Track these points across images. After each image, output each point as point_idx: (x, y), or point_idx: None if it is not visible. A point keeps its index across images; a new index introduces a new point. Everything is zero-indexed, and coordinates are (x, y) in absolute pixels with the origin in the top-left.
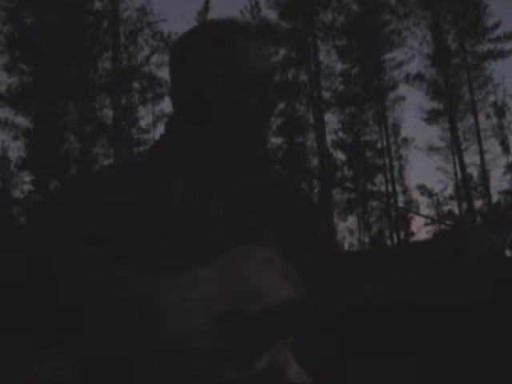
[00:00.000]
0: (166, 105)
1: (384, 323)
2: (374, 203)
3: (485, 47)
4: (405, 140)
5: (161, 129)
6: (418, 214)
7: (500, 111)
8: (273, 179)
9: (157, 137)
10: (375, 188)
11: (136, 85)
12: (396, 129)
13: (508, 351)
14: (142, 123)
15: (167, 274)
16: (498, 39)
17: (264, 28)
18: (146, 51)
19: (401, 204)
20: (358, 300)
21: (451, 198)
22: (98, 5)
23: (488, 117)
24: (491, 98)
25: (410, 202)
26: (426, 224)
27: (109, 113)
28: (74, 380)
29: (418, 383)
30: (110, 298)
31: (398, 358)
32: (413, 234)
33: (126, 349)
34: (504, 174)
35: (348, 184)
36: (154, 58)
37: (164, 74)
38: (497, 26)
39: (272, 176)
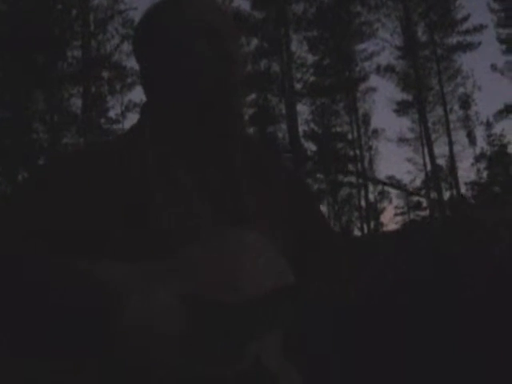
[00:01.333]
0: (136, 95)
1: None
2: (344, 193)
3: (454, 40)
4: (375, 131)
5: (130, 119)
6: (391, 185)
7: (466, 103)
8: (255, 155)
9: (126, 127)
10: (346, 178)
11: (106, 74)
12: (366, 120)
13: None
14: (112, 113)
15: (131, 258)
16: (467, 32)
17: None
18: (116, 40)
19: (371, 195)
20: (353, 292)
21: (420, 188)
22: None
23: (451, 110)
24: (460, 90)
25: (380, 192)
26: (396, 214)
27: (77, 102)
28: None
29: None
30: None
31: (393, 352)
32: (382, 224)
33: (86, 330)
34: (472, 165)
35: (320, 175)
36: (124, 47)
37: (133, 63)
38: (465, 19)
39: (253, 151)
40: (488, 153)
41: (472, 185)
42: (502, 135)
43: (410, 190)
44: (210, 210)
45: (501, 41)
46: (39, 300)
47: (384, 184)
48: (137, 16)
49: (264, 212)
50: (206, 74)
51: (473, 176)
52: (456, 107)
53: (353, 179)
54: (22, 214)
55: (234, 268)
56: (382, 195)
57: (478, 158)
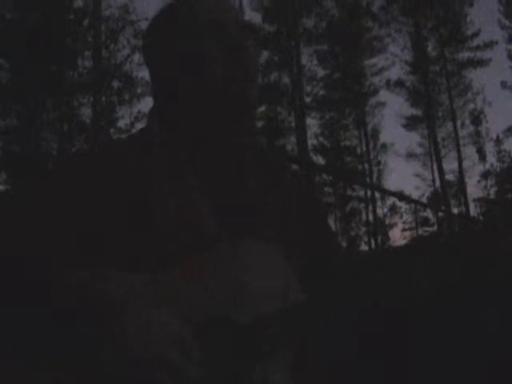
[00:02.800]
0: (145, 105)
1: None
2: (353, 207)
3: (464, 55)
4: (384, 145)
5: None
6: (401, 197)
7: (477, 119)
8: (267, 166)
9: None
10: (354, 193)
11: (116, 84)
12: (375, 134)
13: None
14: (121, 123)
15: (139, 273)
16: (478, 48)
17: None
18: (127, 50)
19: (379, 210)
20: (366, 308)
21: (429, 204)
22: (79, 2)
23: (463, 125)
24: (470, 106)
25: (390, 208)
26: (404, 230)
27: (87, 112)
28: None
29: None
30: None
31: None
32: (389, 239)
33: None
34: (478, 182)
35: (328, 188)
36: (135, 58)
37: (144, 73)
38: (476, 34)
39: (266, 163)
40: (498, 169)
41: (480, 201)
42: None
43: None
44: (218, 218)
45: (511, 57)
46: (36, 303)
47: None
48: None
49: (273, 224)
50: (216, 77)
51: (479, 192)
52: (466, 123)
53: (361, 193)
54: (28, 213)
55: (243, 283)
56: (394, 210)
57: (484, 175)
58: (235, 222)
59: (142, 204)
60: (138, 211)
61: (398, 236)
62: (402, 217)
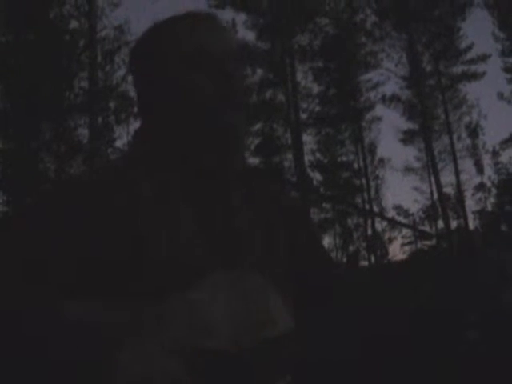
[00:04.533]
0: None
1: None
2: (351, 222)
3: (459, 69)
4: (381, 160)
5: None
6: (397, 223)
7: (473, 132)
8: (256, 189)
9: None
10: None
11: (112, 104)
12: (372, 149)
13: None
14: (119, 143)
15: (128, 304)
16: (472, 61)
17: (212, 16)
18: (123, 70)
19: (378, 224)
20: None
21: (427, 217)
22: (74, 24)
23: (459, 138)
24: (466, 119)
25: (387, 222)
26: (403, 244)
27: (84, 132)
28: None
29: None
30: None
31: None
32: (388, 254)
33: None
34: (473, 194)
35: (324, 204)
36: (131, 78)
37: None
38: (469, 48)
39: (255, 186)
40: (495, 181)
41: (479, 213)
42: (509, 163)
43: (416, 222)
44: (210, 247)
45: (506, 70)
46: (33, 351)
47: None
48: None
49: (264, 251)
50: (211, 114)
51: (474, 205)
52: (462, 136)
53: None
54: (22, 249)
55: (237, 315)
56: (391, 225)
57: (478, 188)
58: (222, 248)
59: (128, 231)
60: (127, 242)
61: (397, 250)
62: (401, 231)
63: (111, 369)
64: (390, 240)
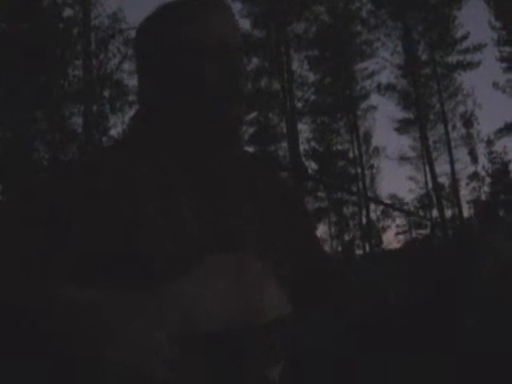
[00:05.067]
0: None
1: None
2: (347, 211)
3: (454, 58)
4: (376, 149)
5: None
6: (391, 206)
7: (468, 121)
8: (255, 177)
9: None
10: (347, 197)
11: (107, 93)
12: (367, 138)
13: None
14: (113, 131)
15: (123, 293)
16: (467, 50)
17: (225, 3)
18: (118, 59)
19: (373, 213)
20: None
21: (422, 206)
22: (68, 11)
23: (454, 128)
24: (461, 108)
25: (382, 211)
26: (398, 233)
27: (79, 121)
28: None
29: None
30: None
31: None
32: (382, 243)
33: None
34: (467, 184)
35: (321, 193)
36: (125, 66)
37: (135, 81)
38: (465, 37)
39: (254, 174)
40: (489, 170)
41: (474, 203)
42: (503, 153)
43: (411, 209)
44: (206, 232)
45: (502, 59)
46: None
47: (385, 205)
48: None
49: (261, 237)
50: (214, 103)
51: (469, 194)
52: (457, 125)
53: (354, 198)
54: (20, 238)
55: (231, 300)
56: (385, 214)
57: (472, 177)
58: (220, 234)
59: (130, 220)
60: (125, 228)
61: (391, 239)
62: (394, 220)
63: (103, 354)
64: (384, 229)
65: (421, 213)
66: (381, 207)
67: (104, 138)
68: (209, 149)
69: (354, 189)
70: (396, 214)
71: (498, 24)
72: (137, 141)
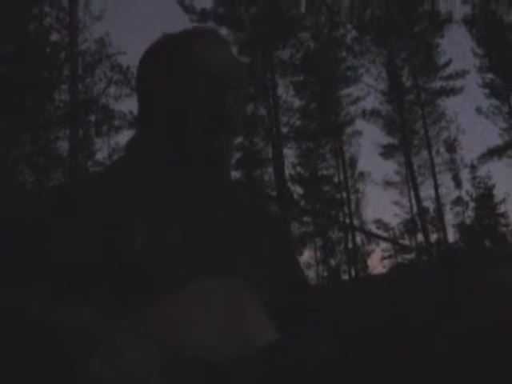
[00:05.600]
0: (123, 138)
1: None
2: (332, 236)
3: (437, 84)
4: (361, 174)
5: None
6: (377, 237)
7: (451, 147)
8: (241, 203)
9: None
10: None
11: (93, 117)
12: (353, 163)
13: None
14: (99, 156)
15: (107, 312)
16: (450, 77)
17: (223, 37)
18: (104, 83)
19: (358, 237)
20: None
21: (407, 231)
22: (55, 36)
23: (438, 153)
24: (445, 134)
25: (368, 234)
26: (383, 258)
27: (64, 144)
28: None
29: None
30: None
31: None
32: (368, 268)
33: None
34: (451, 208)
35: (307, 218)
36: (112, 91)
37: (122, 106)
38: (448, 64)
39: (240, 200)
40: (473, 195)
41: (459, 227)
42: (486, 177)
43: (396, 234)
44: (194, 256)
45: (484, 85)
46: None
47: (366, 233)
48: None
49: (248, 261)
50: (206, 137)
51: (453, 218)
52: (441, 150)
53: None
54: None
55: (219, 324)
56: (368, 238)
57: (456, 202)
58: (205, 258)
59: (111, 236)
60: (106, 244)
61: (376, 263)
62: (378, 244)
63: (84, 369)
64: (369, 254)
65: (406, 237)
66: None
67: (89, 163)
68: (196, 177)
69: (340, 214)
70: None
71: (479, 51)
72: (125, 166)
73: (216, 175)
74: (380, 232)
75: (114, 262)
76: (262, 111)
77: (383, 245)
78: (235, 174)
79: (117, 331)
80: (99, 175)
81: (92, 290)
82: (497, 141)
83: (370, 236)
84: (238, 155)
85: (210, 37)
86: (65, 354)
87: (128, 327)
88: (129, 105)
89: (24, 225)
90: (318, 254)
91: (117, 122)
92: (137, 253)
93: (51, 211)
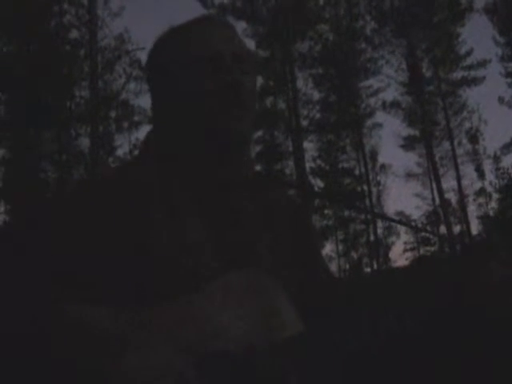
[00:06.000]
0: (143, 133)
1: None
2: (354, 229)
3: (458, 75)
4: (382, 166)
5: None
6: (399, 222)
7: (474, 138)
8: (264, 195)
9: None
10: (354, 215)
11: (113, 113)
12: (374, 155)
13: None
14: (120, 152)
15: (136, 308)
16: (471, 67)
17: (227, 22)
18: (123, 79)
19: (380, 230)
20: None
21: (430, 223)
22: (74, 33)
23: (460, 144)
24: (467, 124)
25: (386, 227)
26: (406, 250)
27: (85, 141)
28: None
29: None
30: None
31: None
32: (390, 260)
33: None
34: (474, 200)
35: (328, 211)
36: (131, 86)
37: (141, 102)
38: (469, 53)
39: (261, 190)
40: (497, 186)
41: (483, 218)
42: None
43: (419, 226)
44: (218, 253)
45: (507, 74)
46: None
47: (392, 221)
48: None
49: (271, 254)
50: (219, 117)
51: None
52: (463, 141)
53: (362, 215)
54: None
55: (247, 316)
56: (389, 230)
57: (479, 193)
58: (230, 252)
59: (137, 235)
60: (132, 243)
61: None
62: (399, 236)
63: (120, 369)
64: (389, 246)
65: (428, 229)
66: (387, 224)
67: (110, 159)
68: (216, 169)
69: (361, 206)
70: (402, 230)
71: (501, 40)
72: (147, 161)
73: (236, 159)
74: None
75: (143, 260)
76: (282, 104)
77: (405, 237)
78: (255, 167)
79: (146, 329)
80: (122, 173)
81: (122, 287)
82: None
83: (391, 221)
84: (258, 149)
85: (207, 21)
86: (96, 353)
87: (156, 324)
88: (148, 100)
89: (54, 228)
90: (340, 247)
91: (137, 118)
92: (164, 248)
93: (80, 212)
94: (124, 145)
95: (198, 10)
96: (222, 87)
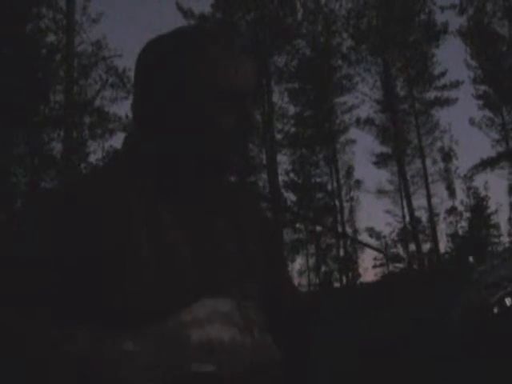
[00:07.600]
0: (117, 141)
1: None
2: (324, 244)
3: (432, 95)
4: (357, 182)
5: None
6: (369, 247)
7: (447, 156)
8: (241, 208)
9: None
10: (325, 229)
11: (87, 119)
12: (350, 171)
13: None
14: (92, 158)
15: (112, 328)
16: (444, 87)
17: (244, 40)
18: (99, 85)
19: (349, 246)
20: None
21: (399, 240)
22: (51, 38)
23: (435, 162)
24: (438, 144)
25: (360, 244)
26: (374, 266)
27: (58, 146)
28: None
29: None
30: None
31: None
32: (359, 275)
33: None
34: (444, 218)
35: (298, 225)
36: (108, 93)
37: (116, 109)
38: (443, 74)
39: (236, 201)
40: (467, 205)
41: (452, 237)
42: (481, 188)
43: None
44: (199, 270)
45: (478, 96)
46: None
47: (360, 243)
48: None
49: (248, 274)
50: (225, 152)
51: (446, 228)
52: (435, 160)
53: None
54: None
55: (230, 339)
56: (360, 247)
57: (449, 211)
58: (215, 272)
59: (117, 252)
60: (112, 261)
61: (364, 270)
62: (363, 252)
63: None
64: (357, 262)
65: (398, 246)
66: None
67: (83, 164)
68: (200, 185)
69: (333, 221)
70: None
71: (473, 63)
72: (126, 167)
73: (220, 182)
74: (372, 240)
75: (118, 272)
76: (257, 117)
77: (374, 253)
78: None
79: (121, 350)
80: (100, 177)
81: (96, 302)
82: (490, 152)
83: (362, 245)
84: None
85: (224, 41)
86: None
87: (141, 344)
88: (124, 108)
89: (25, 235)
90: (310, 260)
91: (111, 125)
92: (142, 267)
93: (54, 219)
94: (97, 151)
95: (178, 20)
96: (241, 127)
